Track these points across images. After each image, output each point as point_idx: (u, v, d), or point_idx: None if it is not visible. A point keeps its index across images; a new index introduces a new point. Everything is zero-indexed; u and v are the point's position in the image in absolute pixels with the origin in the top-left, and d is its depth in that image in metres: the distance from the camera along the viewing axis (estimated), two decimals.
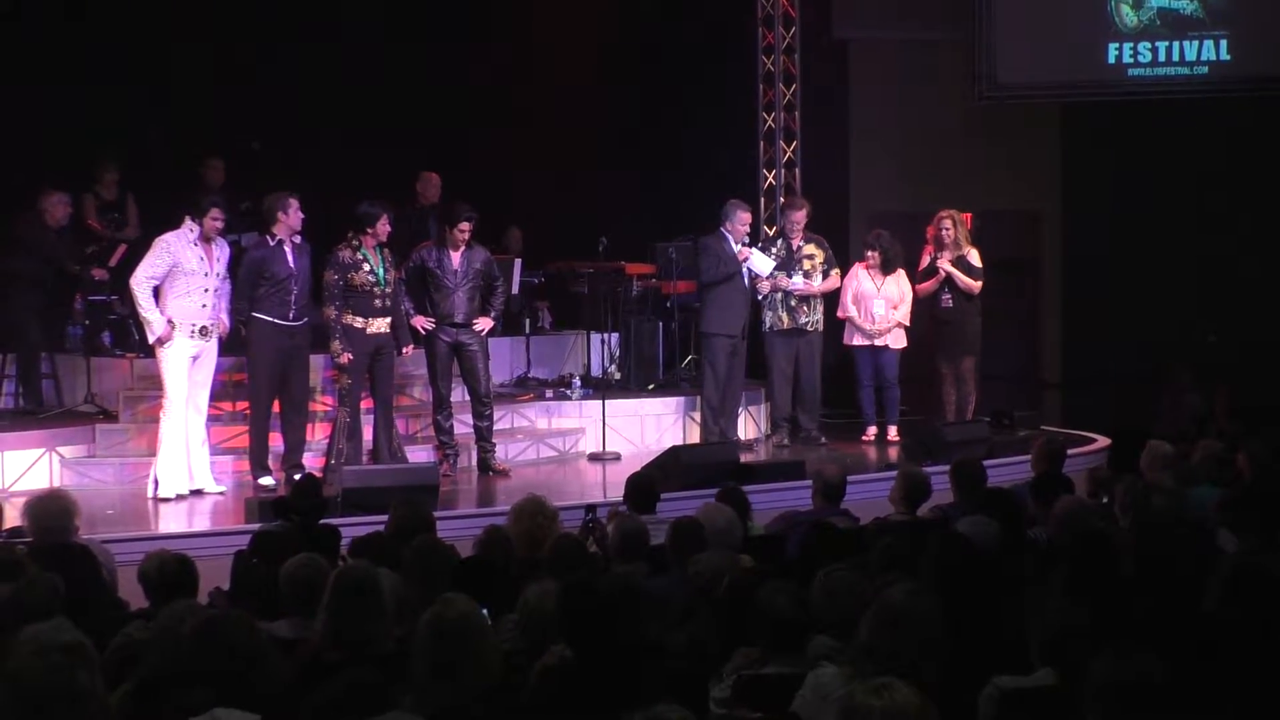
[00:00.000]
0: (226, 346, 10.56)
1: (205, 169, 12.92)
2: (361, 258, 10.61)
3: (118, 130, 13.08)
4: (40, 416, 11.47)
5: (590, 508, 8.07)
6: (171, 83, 13.53)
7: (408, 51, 14.55)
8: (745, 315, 12.45)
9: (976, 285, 12.86)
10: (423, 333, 11.11)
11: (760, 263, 12.39)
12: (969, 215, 13.36)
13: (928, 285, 12.93)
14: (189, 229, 10.09)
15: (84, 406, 11.59)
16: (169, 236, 10.09)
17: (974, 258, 12.90)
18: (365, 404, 10.88)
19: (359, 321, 10.61)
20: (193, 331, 10.11)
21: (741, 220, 12.34)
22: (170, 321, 10.01)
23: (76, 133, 12.98)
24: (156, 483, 10.12)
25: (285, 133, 13.53)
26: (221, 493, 10.40)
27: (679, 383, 13.51)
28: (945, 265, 12.80)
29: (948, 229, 12.86)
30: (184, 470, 10.21)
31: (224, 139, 13.27)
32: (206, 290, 10.13)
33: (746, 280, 12.40)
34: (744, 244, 12.34)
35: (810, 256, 12.69)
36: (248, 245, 11.15)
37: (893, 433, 12.94)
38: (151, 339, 10.13)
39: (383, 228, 10.66)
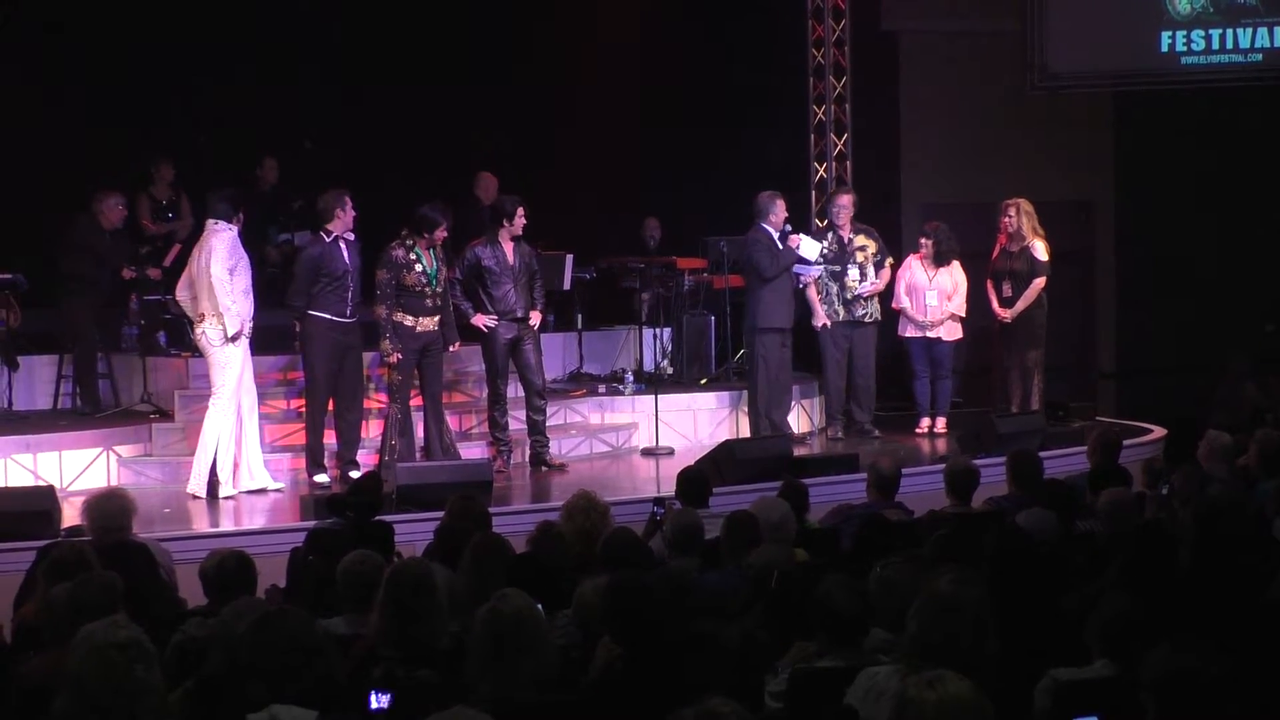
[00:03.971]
0: (279, 345, 10.58)
1: (260, 168, 13.00)
2: (414, 257, 10.62)
3: (170, 132, 13.16)
4: (97, 416, 11.55)
5: (659, 500, 8.00)
6: (224, 83, 13.59)
7: (457, 52, 14.60)
8: (794, 308, 12.42)
9: (1038, 283, 12.67)
10: (485, 331, 11.07)
11: (809, 247, 12.36)
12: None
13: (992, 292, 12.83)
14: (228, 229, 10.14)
15: (140, 406, 11.67)
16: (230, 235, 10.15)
17: (1038, 250, 12.68)
18: (415, 400, 10.90)
19: (409, 320, 10.62)
20: (250, 329, 10.17)
21: (779, 209, 12.27)
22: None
23: (130, 135, 13.07)
24: (217, 481, 10.10)
25: (336, 132, 13.60)
26: (280, 490, 10.43)
27: (731, 377, 13.48)
28: (1005, 316, 12.71)
29: (1010, 218, 12.67)
30: (243, 466, 10.23)
31: (275, 139, 13.34)
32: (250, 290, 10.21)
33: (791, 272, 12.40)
34: (786, 231, 12.29)
35: (863, 248, 12.66)
36: (301, 244, 11.17)
37: (940, 424, 12.88)
38: (231, 331, 9.98)
39: (440, 234, 10.70)
